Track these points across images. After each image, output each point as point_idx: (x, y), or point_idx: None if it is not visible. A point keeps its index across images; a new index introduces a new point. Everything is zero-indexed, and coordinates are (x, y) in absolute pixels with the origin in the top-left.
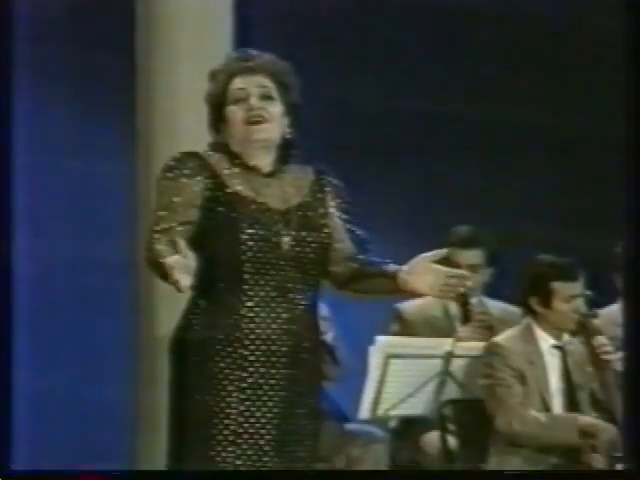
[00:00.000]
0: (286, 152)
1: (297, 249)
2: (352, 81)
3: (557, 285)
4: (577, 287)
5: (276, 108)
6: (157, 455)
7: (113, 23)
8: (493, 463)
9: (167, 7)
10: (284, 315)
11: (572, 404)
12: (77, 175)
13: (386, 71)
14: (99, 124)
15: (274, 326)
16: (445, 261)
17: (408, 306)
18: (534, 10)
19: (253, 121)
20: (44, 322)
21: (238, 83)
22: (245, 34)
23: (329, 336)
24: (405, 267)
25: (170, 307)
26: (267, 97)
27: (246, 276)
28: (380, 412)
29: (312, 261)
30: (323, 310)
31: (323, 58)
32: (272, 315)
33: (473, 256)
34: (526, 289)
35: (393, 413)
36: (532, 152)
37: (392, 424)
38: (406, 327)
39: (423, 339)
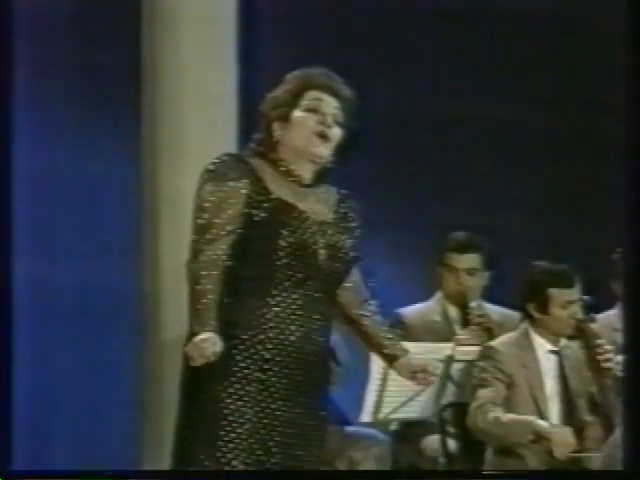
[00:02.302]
0: (321, 174)
1: (329, 261)
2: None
3: (554, 292)
4: (573, 293)
5: (337, 133)
6: (159, 456)
7: (117, 26)
8: (492, 465)
9: (172, 8)
10: (308, 323)
11: (569, 408)
12: (80, 191)
13: (390, 72)
14: (102, 151)
15: (298, 334)
16: (444, 266)
17: (408, 311)
18: (534, 9)
19: (321, 134)
20: (46, 325)
21: (317, 95)
22: (250, 35)
23: (331, 339)
24: (403, 360)
25: (175, 313)
26: (336, 121)
27: (277, 281)
28: (381, 415)
29: (340, 276)
30: None
31: (327, 56)
32: (297, 323)
33: (471, 260)
34: (523, 295)
35: (394, 416)
36: (531, 157)
37: (393, 427)
38: (407, 331)
39: (424, 343)
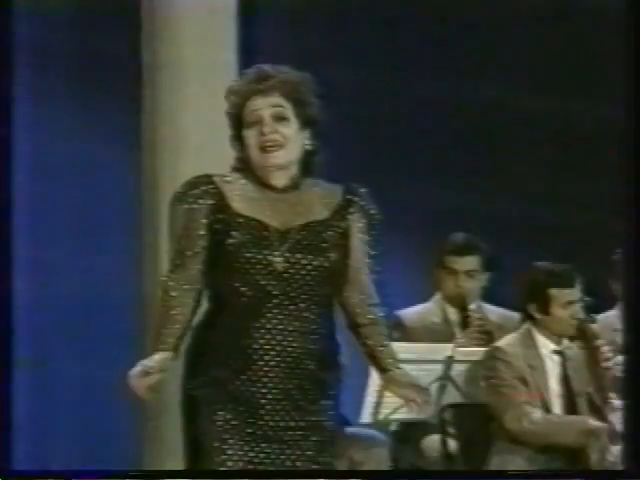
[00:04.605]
0: (308, 163)
1: (291, 271)
2: (354, 81)
3: (554, 292)
4: (574, 293)
5: (290, 129)
6: (159, 456)
7: (117, 26)
8: (493, 465)
9: (172, 7)
10: (281, 335)
11: (571, 408)
12: (79, 196)
13: (391, 62)
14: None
15: (290, 350)
16: (444, 268)
17: (408, 313)
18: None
19: (267, 147)
20: (44, 318)
21: (252, 105)
22: (251, 33)
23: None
24: (392, 373)
25: None
26: (281, 118)
27: (242, 293)
28: (381, 416)
29: (310, 284)
30: None
31: (327, 59)
32: (283, 343)
33: (470, 262)
34: (524, 296)
35: (394, 417)
36: (531, 157)
37: (393, 428)
38: (406, 333)
39: (424, 344)
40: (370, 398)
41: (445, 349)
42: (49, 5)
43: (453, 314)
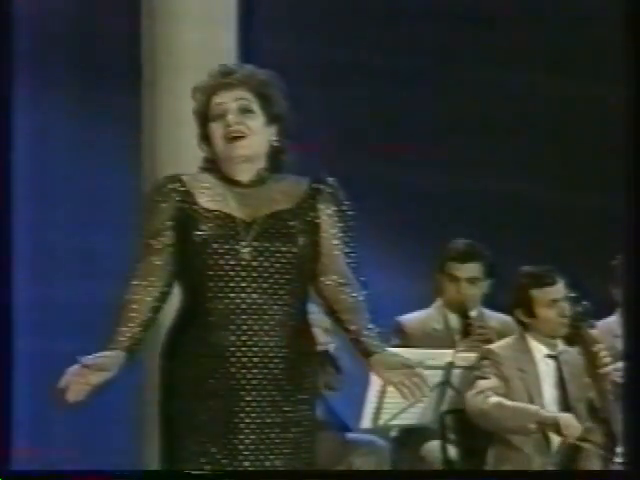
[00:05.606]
0: (275, 160)
1: (260, 259)
2: (353, 77)
3: (535, 292)
4: (556, 291)
5: (256, 121)
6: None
7: (117, 25)
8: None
9: (172, 8)
10: (262, 333)
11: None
12: (79, 199)
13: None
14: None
15: (262, 344)
16: (445, 275)
17: (409, 319)
18: (533, 12)
19: (231, 137)
20: (45, 317)
21: (217, 99)
22: (250, 34)
23: (331, 347)
24: (378, 355)
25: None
26: (246, 110)
27: (211, 285)
28: (382, 422)
29: (279, 272)
30: (324, 321)
31: (328, 56)
32: (254, 338)
33: (472, 270)
34: (511, 301)
35: (394, 423)
36: (531, 160)
37: (393, 433)
38: (407, 339)
39: (424, 350)
40: (370, 404)
41: (445, 355)
42: None
43: (454, 320)
